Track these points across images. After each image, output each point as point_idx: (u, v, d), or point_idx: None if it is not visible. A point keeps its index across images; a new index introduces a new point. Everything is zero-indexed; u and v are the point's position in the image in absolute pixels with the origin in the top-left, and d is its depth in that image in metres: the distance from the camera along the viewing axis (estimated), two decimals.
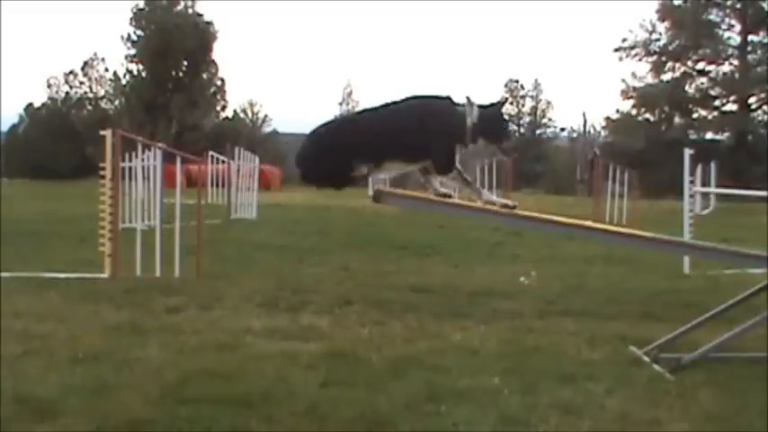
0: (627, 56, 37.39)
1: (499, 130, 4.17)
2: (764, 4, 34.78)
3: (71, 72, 45.53)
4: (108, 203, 7.43)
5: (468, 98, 4.11)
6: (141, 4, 43.62)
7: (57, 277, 7.17)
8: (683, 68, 37.13)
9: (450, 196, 4.15)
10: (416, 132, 4.06)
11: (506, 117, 4.30)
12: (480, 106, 4.11)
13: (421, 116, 4.11)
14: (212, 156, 19.36)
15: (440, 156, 4.09)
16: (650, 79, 37.48)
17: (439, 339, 4.98)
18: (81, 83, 45.67)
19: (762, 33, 35.80)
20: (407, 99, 4.21)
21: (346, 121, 4.24)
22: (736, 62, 36.36)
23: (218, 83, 45.07)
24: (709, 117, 36.99)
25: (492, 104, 4.21)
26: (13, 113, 44.76)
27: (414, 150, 4.09)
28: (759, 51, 35.94)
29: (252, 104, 51.60)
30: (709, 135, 37.45)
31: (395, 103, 4.21)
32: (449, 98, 4.18)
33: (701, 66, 37.15)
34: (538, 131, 53.24)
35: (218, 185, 18.98)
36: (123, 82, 44.22)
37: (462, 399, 3.73)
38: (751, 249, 5.04)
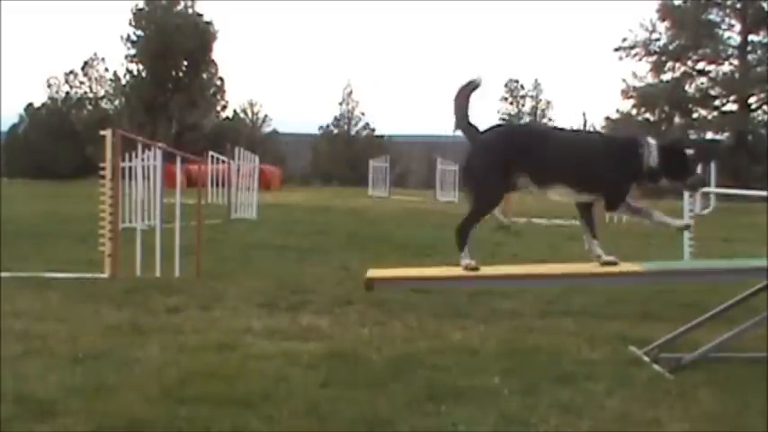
0: (627, 55, 37.37)
1: (681, 169, 4.36)
2: (765, 4, 34.77)
3: (71, 72, 45.54)
4: (108, 203, 7.43)
5: (648, 140, 4.29)
6: (141, 4, 43.62)
7: (57, 277, 7.16)
8: (683, 68, 37.11)
9: (615, 264, 4.30)
10: (595, 165, 4.22)
11: (689, 154, 4.45)
12: (661, 146, 4.29)
13: (603, 150, 4.29)
14: (212, 156, 19.36)
15: (612, 192, 4.26)
16: (650, 79, 37.47)
17: (439, 339, 4.98)
18: (81, 83, 45.66)
19: (762, 33, 35.78)
20: (591, 132, 4.42)
21: (529, 128, 4.43)
22: (736, 62, 36.34)
23: (218, 83, 45.08)
24: (709, 117, 36.97)
25: (672, 141, 4.40)
26: (14, 113, 44.79)
27: (587, 181, 4.23)
28: (759, 51, 35.93)
29: (252, 104, 51.63)
30: (709, 135, 37.45)
31: (576, 131, 4.39)
32: (634, 138, 4.36)
33: (701, 65, 37.14)
34: None
35: (218, 185, 18.98)
36: (123, 82, 44.20)
37: (462, 399, 3.73)
38: (751, 248, 5.03)
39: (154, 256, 7.58)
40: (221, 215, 15.40)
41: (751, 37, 35.97)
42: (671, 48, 36.75)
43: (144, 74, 43.35)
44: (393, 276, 4.44)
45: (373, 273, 4.29)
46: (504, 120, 52.99)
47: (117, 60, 55.99)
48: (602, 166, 4.23)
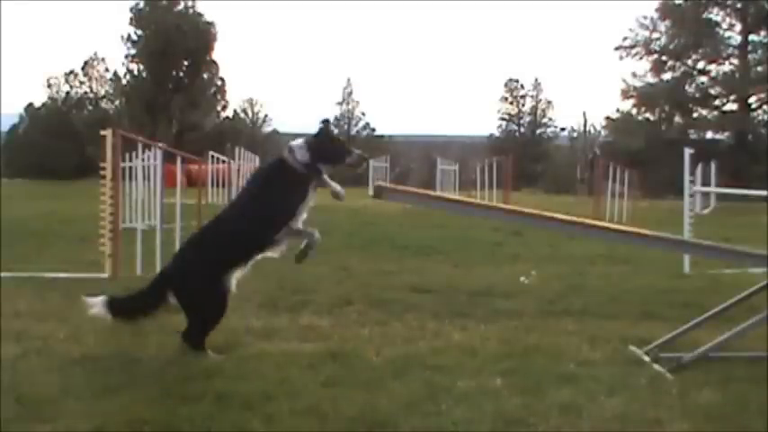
0: (627, 55, 37.41)
1: (336, 152, 4.74)
2: (765, 4, 34.77)
3: (71, 72, 45.60)
4: (108, 203, 7.43)
5: (290, 145, 4.65)
6: (141, 4, 43.63)
7: (57, 277, 7.16)
8: (683, 67, 37.12)
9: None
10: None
11: (339, 139, 4.80)
12: (306, 141, 4.66)
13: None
14: (212, 156, 19.38)
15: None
16: (650, 78, 37.50)
17: (439, 339, 4.98)
18: (81, 83, 45.72)
19: (762, 33, 35.79)
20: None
21: None
22: (736, 61, 36.35)
23: (219, 83, 45.10)
24: (709, 117, 36.98)
25: (320, 129, 4.68)
26: (14, 113, 44.85)
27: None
28: (759, 51, 35.94)
29: (252, 104, 51.65)
30: (709, 135, 37.46)
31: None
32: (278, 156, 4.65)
33: (701, 65, 37.16)
34: (538, 131, 53.29)
35: (218, 185, 19.00)
36: (123, 82, 44.24)
37: (462, 399, 3.72)
38: (752, 249, 5.05)
39: (154, 257, 7.57)
40: None
41: (751, 36, 35.99)
42: (671, 47, 36.75)
43: (144, 74, 43.38)
44: (401, 189, 4.73)
45: (383, 184, 4.54)
46: (504, 119, 53.06)
47: (117, 60, 56.06)
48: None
